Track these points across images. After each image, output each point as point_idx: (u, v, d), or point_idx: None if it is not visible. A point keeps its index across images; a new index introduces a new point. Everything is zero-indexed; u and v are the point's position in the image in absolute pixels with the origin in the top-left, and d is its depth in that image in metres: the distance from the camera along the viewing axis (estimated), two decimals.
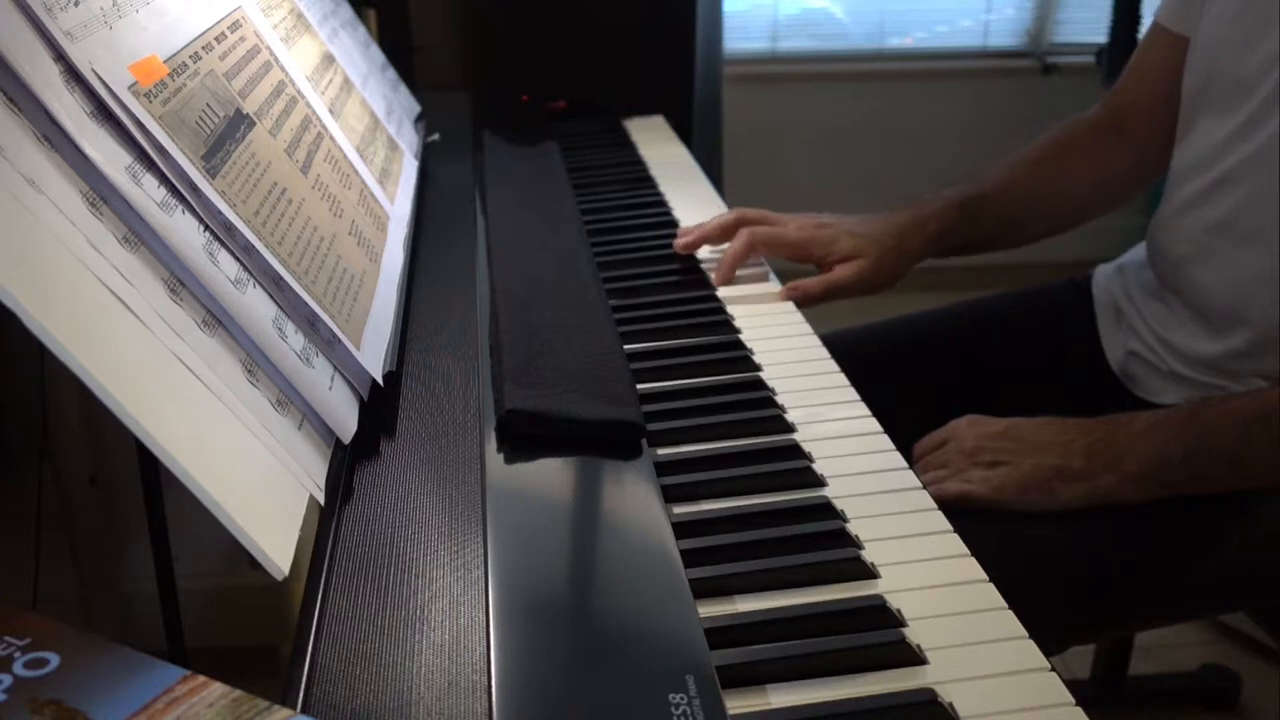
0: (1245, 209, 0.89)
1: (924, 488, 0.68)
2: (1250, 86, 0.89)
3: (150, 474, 0.88)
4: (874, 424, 0.75)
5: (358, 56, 1.15)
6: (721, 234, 1.02)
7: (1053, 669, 0.53)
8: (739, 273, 0.99)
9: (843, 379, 0.81)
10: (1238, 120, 0.90)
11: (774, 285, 0.98)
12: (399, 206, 0.94)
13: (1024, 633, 0.55)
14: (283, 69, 0.84)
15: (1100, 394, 1.04)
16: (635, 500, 0.63)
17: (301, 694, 0.48)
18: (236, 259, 0.61)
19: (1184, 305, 0.97)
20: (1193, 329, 0.96)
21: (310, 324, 0.65)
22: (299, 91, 0.85)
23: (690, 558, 0.59)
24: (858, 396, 0.78)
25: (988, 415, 0.87)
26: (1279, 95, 0.86)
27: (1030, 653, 0.54)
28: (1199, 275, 0.94)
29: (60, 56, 0.54)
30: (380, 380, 0.68)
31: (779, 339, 0.88)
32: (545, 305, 0.84)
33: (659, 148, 1.37)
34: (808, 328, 0.90)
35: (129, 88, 0.58)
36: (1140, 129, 1.06)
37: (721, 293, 0.95)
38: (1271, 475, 0.80)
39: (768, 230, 1.01)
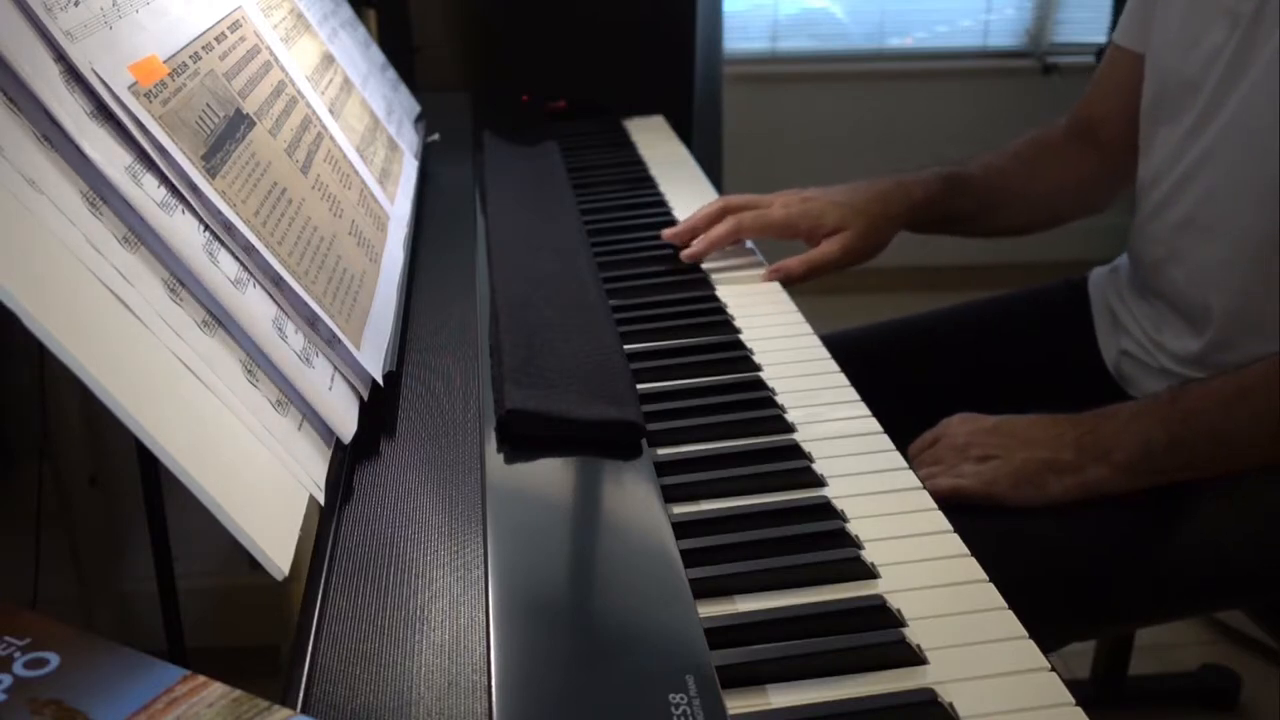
0: (1204, 204, 0.92)
1: (923, 486, 0.68)
2: (1196, 86, 0.91)
3: (150, 474, 0.88)
4: (874, 424, 0.75)
5: (358, 56, 1.15)
6: (709, 224, 1.03)
7: (1053, 669, 0.53)
8: (738, 273, 1.00)
9: (843, 379, 0.81)
10: (1190, 122, 0.93)
11: (774, 285, 0.98)
12: (399, 206, 0.94)
13: (1024, 633, 0.55)
14: (283, 69, 0.84)
15: (1096, 394, 1.04)
16: (635, 500, 0.63)
17: (301, 694, 0.48)
18: (236, 259, 0.61)
19: (1167, 306, 0.99)
20: (1178, 328, 0.97)
21: (310, 324, 0.65)
22: (299, 91, 0.85)
23: (690, 558, 0.59)
24: (858, 396, 0.78)
25: (984, 414, 0.87)
26: (1237, 86, 0.88)
27: (1030, 653, 0.54)
28: (1173, 274, 0.96)
29: (60, 56, 0.54)
30: (380, 380, 0.68)
31: (779, 339, 0.88)
32: (545, 305, 0.84)
33: (659, 148, 1.37)
34: (808, 328, 0.90)
35: (129, 88, 0.58)
36: (1105, 140, 1.09)
37: (721, 291, 0.95)
38: (1256, 453, 0.81)
39: (753, 214, 1.02)
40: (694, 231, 1.02)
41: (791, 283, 1.00)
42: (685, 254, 1.00)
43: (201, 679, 0.44)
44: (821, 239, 1.03)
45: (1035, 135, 1.14)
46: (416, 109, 1.28)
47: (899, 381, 1.02)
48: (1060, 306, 1.13)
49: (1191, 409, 0.81)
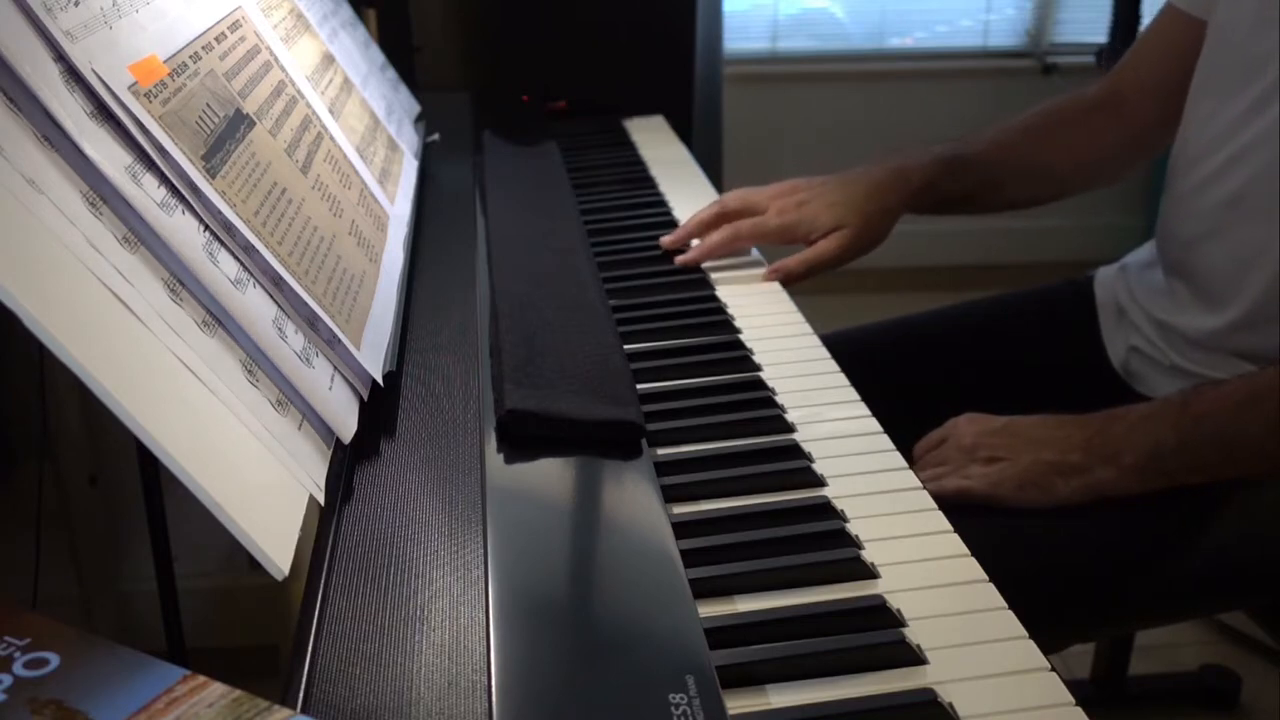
0: (1258, 183, 0.90)
1: (923, 486, 0.68)
2: (1261, 66, 0.89)
3: (150, 474, 0.88)
4: (874, 424, 0.75)
5: (358, 56, 1.15)
6: (703, 231, 1.03)
7: (1053, 669, 0.53)
8: (738, 273, 1.00)
9: (843, 379, 0.81)
10: (1248, 100, 0.91)
11: (774, 285, 0.98)
12: (399, 206, 0.94)
13: (1024, 633, 0.55)
14: (283, 69, 0.84)
15: (1102, 393, 1.04)
16: (635, 500, 0.63)
17: (301, 694, 0.48)
18: (236, 259, 0.61)
19: (1188, 288, 0.97)
20: (1194, 310, 0.96)
21: (310, 324, 0.65)
22: (299, 91, 0.85)
23: (690, 558, 0.59)
24: (858, 396, 0.78)
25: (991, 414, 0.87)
26: None
27: (1030, 653, 0.54)
28: (1211, 251, 0.94)
29: (60, 56, 0.54)
30: (380, 380, 0.68)
31: (779, 339, 0.88)
32: (545, 305, 0.84)
33: (659, 148, 1.37)
34: (808, 328, 0.90)
35: (129, 88, 0.58)
36: (1137, 111, 1.07)
37: (720, 291, 0.95)
38: (1264, 459, 0.80)
39: (750, 223, 1.02)
40: (690, 236, 1.03)
41: (791, 282, 1.00)
42: (681, 259, 1.00)
43: (201, 679, 0.44)
44: (819, 240, 1.03)
45: (1051, 106, 1.12)
46: (416, 109, 1.28)
47: (899, 381, 1.02)
48: (1063, 306, 1.13)
49: (1202, 412, 0.81)
